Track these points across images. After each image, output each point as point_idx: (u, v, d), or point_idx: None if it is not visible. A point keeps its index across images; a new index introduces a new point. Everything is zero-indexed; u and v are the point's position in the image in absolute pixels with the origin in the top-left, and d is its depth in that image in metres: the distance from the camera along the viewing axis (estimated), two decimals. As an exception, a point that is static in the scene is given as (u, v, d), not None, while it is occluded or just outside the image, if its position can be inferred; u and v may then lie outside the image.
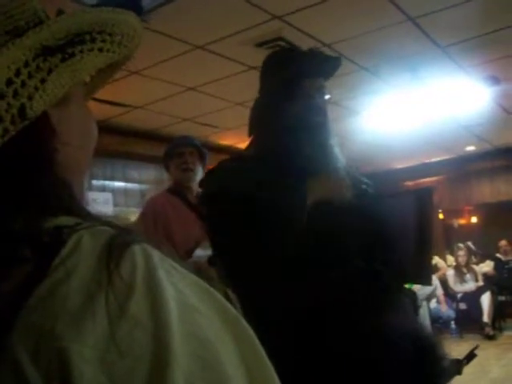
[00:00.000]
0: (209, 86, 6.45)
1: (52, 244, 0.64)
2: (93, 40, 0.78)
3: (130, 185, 8.26)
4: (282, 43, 5.46)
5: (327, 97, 2.14)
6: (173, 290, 0.64)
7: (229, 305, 0.69)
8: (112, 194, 8.02)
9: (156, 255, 0.66)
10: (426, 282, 2.30)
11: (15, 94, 0.69)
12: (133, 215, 7.28)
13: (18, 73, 0.70)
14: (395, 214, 2.12)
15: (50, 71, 0.73)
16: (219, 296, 0.69)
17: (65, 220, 0.68)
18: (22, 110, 0.69)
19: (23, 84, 0.70)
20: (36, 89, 0.71)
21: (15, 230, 0.65)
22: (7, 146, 0.69)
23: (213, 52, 5.46)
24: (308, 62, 2.10)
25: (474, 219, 13.11)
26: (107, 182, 8.08)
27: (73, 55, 0.75)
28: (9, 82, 0.69)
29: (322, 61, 2.15)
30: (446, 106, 7.98)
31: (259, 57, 5.70)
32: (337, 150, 2.11)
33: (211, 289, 0.69)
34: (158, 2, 4.29)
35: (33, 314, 0.59)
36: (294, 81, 2.04)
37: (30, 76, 0.71)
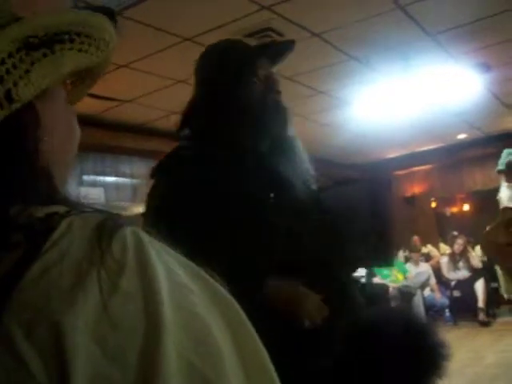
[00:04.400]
0: (199, 79, 6.38)
1: (43, 229, 0.66)
2: (71, 40, 0.79)
3: (121, 179, 8.24)
4: (272, 33, 5.44)
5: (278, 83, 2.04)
6: (163, 269, 0.66)
7: (217, 284, 0.72)
8: (103, 188, 8.01)
9: (146, 237, 0.69)
10: (386, 263, 2.32)
11: (1, 80, 0.71)
12: (125, 210, 7.27)
13: (2, 62, 0.71)
14: (346, 201, 2.12)
15: (32, 64, 0.74)
16: (207, 276, 0.72)
17: (56, 208, 0.70)
18: (8, 94, 0.71)
19: (8, 72, 0.71)
20: (21, 77, 0.72)
21: (7, 217, 0.68)
22: None
23: (202, 44, 5.42)
24: (256, 47, 2.05)
25: (466, 207, 13.14)
26: (98, 177, 8.06)
27: (53, 52, 0.76)
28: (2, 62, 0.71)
29: (270, 45, 2.12)
30: (437, 95, 7.99)
31: (249, 48, 5.70)
32: (294, 143, 2.07)
33: (201, 269, 0.72)
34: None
35: (25, 293, 0.60)
36: (244, 66, 1.97)
37: (14, 66, 0.72)
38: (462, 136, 11.11)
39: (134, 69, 5.88)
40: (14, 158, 0.73)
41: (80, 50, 0.80)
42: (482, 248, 5.85)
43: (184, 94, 2.13)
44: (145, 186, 8.10)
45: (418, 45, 6.07)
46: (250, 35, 5.45)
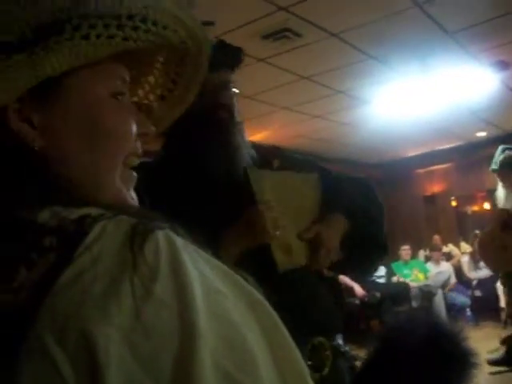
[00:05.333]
0: (217, 80, 6.38)
1: (76, 233, 0.65)
2: (76, 28, 0.73)
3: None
4: (289, 34, 5.44)
5: (235, 91, 1.93)
6: (197, 273, 0.64)
7: (251, 288, 0.70)
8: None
9: (179, 240, 0.67)
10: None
11: None
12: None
13: None
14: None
15: (4, 69, 0.70)
16: (241, 279, 0.70)
17: (87, 210, 0.69)
18: None
19: None
20: None
21: (40, 220, 0.67)
22: None
23: (220, 45, 5.44)
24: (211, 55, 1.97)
25: (486, 205, 13.02)
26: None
27: (32, 53, 0.72)
28: None
29: (226, 52, 1.97)
30: (456, 93, 7.93)
31: (267, 49, 5.72)
32: (245, 151, 1.94)
33: (233, 273, 0.70)
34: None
35: (58, 299, 0.60)
36: None
37: None
38: (481, 134, 11.02)
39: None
40: (25, 162, 0.73)
41: (86, 37, 0.73)
42: (478, 252, 5.61)
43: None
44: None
45: (436, 43, 6.04)
46: (268, 36, 5.45)
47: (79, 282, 0.60)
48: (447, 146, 11.87)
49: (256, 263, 1.65)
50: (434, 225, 12.26)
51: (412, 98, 7.70)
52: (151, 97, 1.02)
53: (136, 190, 0.87)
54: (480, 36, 5.97)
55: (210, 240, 1.73)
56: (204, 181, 1.83)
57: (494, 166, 4.79)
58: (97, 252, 0.62)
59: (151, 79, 1.00)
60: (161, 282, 0.61)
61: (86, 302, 0.59)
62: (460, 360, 1.78)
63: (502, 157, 4.43)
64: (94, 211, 0.69)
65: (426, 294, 10.04)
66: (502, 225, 3.66)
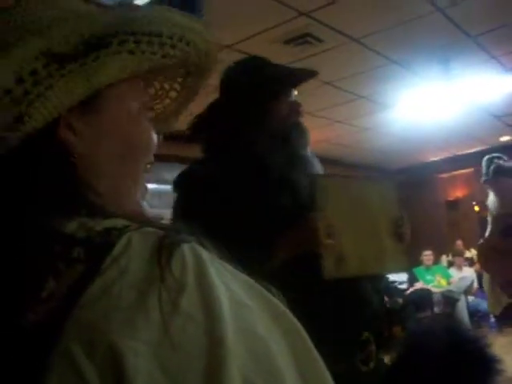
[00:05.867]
0: (238, 85, 6.38)
1: (103, 245, 0.65)
2: (121, 42, 0.76)
3: (163, 186, 8.26)
4: (310, 39, 5.44)
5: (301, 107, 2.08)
6: (223, 287, 0.65)
7: (276, 301, 0.70)
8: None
9: (205, 254, 0.67)
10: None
11: (17, 102, 0.70)
12: (166, 217, 7.32)
13: (20, 80, 0.70)
14: None
15: (62, 76, 0.72)
16: (267, 293, 0.70)
17: (114, 222, 0.70)
18: (19, 117, 0.70)
19: (26, 92, 0.70)
20: (39, 96, 0.71)
21: (68, 231, 0.68)
22: (27, 150, 0.71)
23: (242, 51, 5.46)
24: (284, 72, 2.09)
25: (510, 210, 12.89)
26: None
27: (86, 62, 0.74)
28: (18, 82, 0.70)
29: (294, 72, 2.14)
30: (479, 97, 7.88)
31: (288, 54, 5.72)
32: (312, 160, 2.07)
33: (259, 286, 0.70)
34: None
35: (86, 311, 0.60)
36: (275, 88, 2.01)
37: (35, 83, 0.71)
38: (504, 138, 10.93)
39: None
40: (56, 173, 0.73)
41: (132, 52, 0.77)
42: (478, 260, 5.44)
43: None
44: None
45: (458, 47, 6.01)
46: (289, 42, 5.46)
47: (107, 294, 0.61)
48: (470, 151, 11.79)
49: (305, 268, 1.76)
50: (456, 230, 12.17)
51: (434, 103, 7.66)
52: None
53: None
54: (503, 39, 5.92)
55: (263, 242, 1.77)
56: (266, 184, 1.88)
57: (485, 178, 4.46)
58: (124, 264, 0.63)
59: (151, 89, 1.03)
60: (187, 295, 0.62)
61: (113, 316, 0.59)
62: (483, 366, 1.77)
63: (492, 166, 4.27)
64: (119, 222, 0.70)
65: (449, 299, 9.96)
66: (504, 230, 3.58)
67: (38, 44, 0.72)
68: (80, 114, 0.77)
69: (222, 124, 2.03)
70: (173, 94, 1.04)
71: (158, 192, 8.45)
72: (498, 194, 4.10)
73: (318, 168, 2.08)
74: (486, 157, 4.39)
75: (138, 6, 0.81)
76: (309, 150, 2.06)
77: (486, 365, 1.75)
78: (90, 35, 0.75)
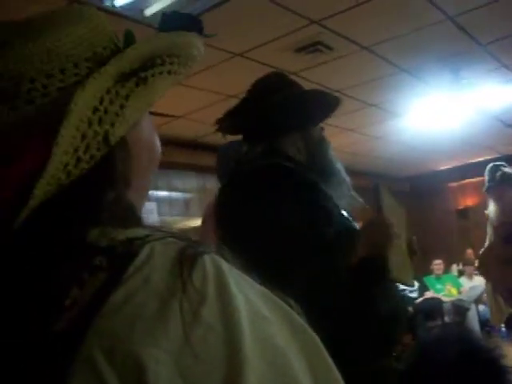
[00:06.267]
0: (249, 94, 6.39)
1: (126, 254, 0.67)
2: (163, 63, 0.79)
3: (173, 194, 8.30)
4: (321, 47, 5.45)
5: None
6: (242, 299, 0.66)
7: (295, 314, 0.71)
8: (156, 203, 8.08)
9: (225, 265, 0.69)
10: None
11: (100, 122, 0.71)
12: (177, 224, 7.33)
13: (101, 100, 0.72)
14: None
15: (127, 97, 0.75)
16: (285, 305, 0.71)
17: (135, 232, 0.71)
18: (106, 136, 0.72)
19: (106, 111, 0.72)
20: (117, 115, 0.73)
21: (91, 240, 0.69)
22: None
23: (252, 59, 5.48)
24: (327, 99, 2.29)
25: (521, 219, 12.82)
26: (151, 192, 8.06)
27: (145, 79, 0.77)
28: (95, 110, 0.71)
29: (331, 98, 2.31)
30: (489, 105, 7.86)
31: (299, 62, 5.73)
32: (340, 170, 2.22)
33: (277, 298, 0.72)
34: (199, 10, 4.32)
35: (109, 320, 0.61)
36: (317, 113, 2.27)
37: (111, 102, 0.73)
38: (515, 147, 10.89)
39: (184, 85, 5.95)
40: (101, 186, 0.74)
41: (169, 72, 0.80)
42: (478, 268, 5.36)
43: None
44: (197, 200, 8.07)
45: (469, 55, 6.00)
46: (300, 50, 5.47)
47: (130, 303, 0.62)
48: (480, 159, 11.74)
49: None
50: (466, 239, 12.11)
51: (444, 111, 7.64)
52: None
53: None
54: (513, 47, 5.91)
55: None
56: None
57: (490, 185, 4.27)
58: (147, 274, 0.64)
59: None
60: (208, 306, 0.63)
61: (135, 325, 0.60)
62: (494, 376, 1.76)
63: (496, 174, 4.21)
64: (140, 232, 0.71)
65: (459, 308, 9.92)
66: (507, 238, 3.54)
67: (115, 65, 0.75)
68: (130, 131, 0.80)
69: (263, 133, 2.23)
70: None
71: (168, 199, 8.49)
72: (501, 201, 4.06)
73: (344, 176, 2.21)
74: (491, 165, 4.35)
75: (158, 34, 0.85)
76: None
77: (498, 375, 1.75)
78: (149, 55, 0.78)
